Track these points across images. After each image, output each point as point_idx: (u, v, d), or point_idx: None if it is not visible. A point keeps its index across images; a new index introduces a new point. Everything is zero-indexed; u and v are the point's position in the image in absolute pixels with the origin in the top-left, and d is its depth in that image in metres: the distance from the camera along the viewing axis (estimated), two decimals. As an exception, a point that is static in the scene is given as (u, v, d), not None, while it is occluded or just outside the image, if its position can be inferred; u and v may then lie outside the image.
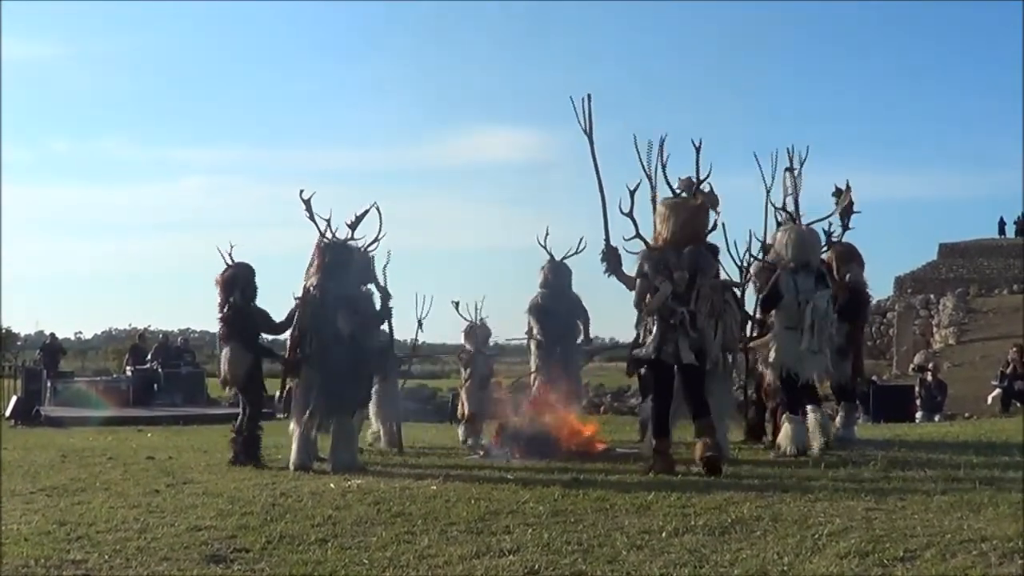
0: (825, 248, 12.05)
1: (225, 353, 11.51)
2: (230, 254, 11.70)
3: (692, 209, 10.04)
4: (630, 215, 10.48)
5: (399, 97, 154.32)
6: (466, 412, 14.14)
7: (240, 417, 11.60)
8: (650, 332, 9.91)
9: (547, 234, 13.93)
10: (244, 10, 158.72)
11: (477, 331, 14.22)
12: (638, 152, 10.39)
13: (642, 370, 10.92)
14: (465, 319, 14.17)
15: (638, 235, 10.77)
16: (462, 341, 14.34)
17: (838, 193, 12.03)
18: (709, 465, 9.56)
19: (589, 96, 11.11)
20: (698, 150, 10.11)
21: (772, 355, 11.25)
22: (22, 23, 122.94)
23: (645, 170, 10.48)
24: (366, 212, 11.13)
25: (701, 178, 10.13)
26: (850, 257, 12.50)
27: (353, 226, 11.13)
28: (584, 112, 11.09)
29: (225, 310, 11.50)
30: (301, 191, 11.19)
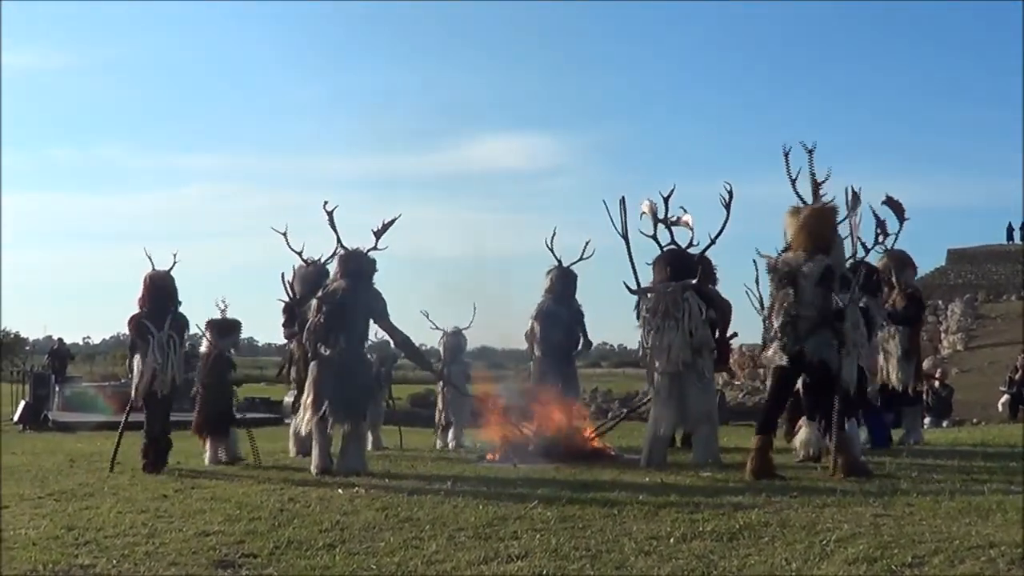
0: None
1: (174, 358, 11.61)
2: (150, 257, 11.84)
3: (805, 212, 10.01)
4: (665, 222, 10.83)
5: (406, 104, 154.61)
6: (442, 419, 14.45)
7: (153, 424, 11.62)
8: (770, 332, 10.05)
9: (554, 234, 13.93)
10: (247, 16, 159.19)
11: (451, 340, 14.47)
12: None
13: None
14: (438, 329, 14.43)
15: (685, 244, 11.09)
16: (440, 350, 14.64)
17: (859, 199, 12.03)
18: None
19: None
20: (811, 152, 10.15)
21: None
22: (23, 31, 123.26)
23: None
24: (393, 221, 11.13)
25: (819, 180, 10.15)
26: (906, 263, 12.64)
27: (379, 234, 11.09)
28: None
29: (169, 317, 11.63)
30: (325, 203, 11.30)
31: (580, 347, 14.14)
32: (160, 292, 11.72)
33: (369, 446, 13.29)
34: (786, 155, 10.11)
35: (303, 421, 11.03)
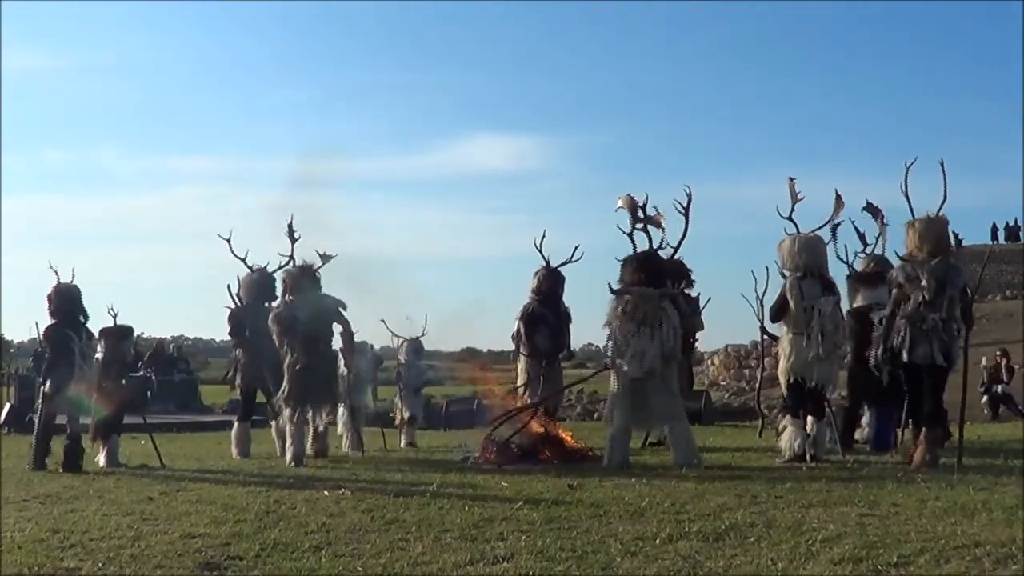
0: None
1: (90, 368, 12.15)
2: (56, 271, 12.40)
3: (934, 224, 10.72)
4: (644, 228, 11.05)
5: (395, 105, 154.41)
6: (403, 417, 15.45)
7: (74, 426, 12.16)
8: (902, 337, 10.62)
9: (543, 237, 13.96)
10: (237, 18, 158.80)
11: (410, 345, 15.50)
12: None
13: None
14: (396, 335, 15.45)
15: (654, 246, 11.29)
16: (400, 355, 15.66)
17: (842, 202, 12.06)
18: (918, 469, 10.19)
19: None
20: (908, 167, 10.85)
21: (782, 362, 11.34)
22: (15, 33, 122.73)
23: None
24: (331, 257, 12.94)
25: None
26: (888, 269, 12.66)
27: (324, 260, 12.90)
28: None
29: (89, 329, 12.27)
30: (292, 218, 13.00)
31: (562, 355, 14.17)
32: (70, 303, 12.25)
33: (345, 447, 13.70)
34: (907, 168, 10.83)
35: (284, 419, 12.44)
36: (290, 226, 13.18)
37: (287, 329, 12.25)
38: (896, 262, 11.07)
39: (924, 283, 10.44)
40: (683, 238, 11.53)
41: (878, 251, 13.00)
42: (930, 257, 10.55)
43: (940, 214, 10.78)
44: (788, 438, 11.28)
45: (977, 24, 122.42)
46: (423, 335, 15.57)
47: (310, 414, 12.52)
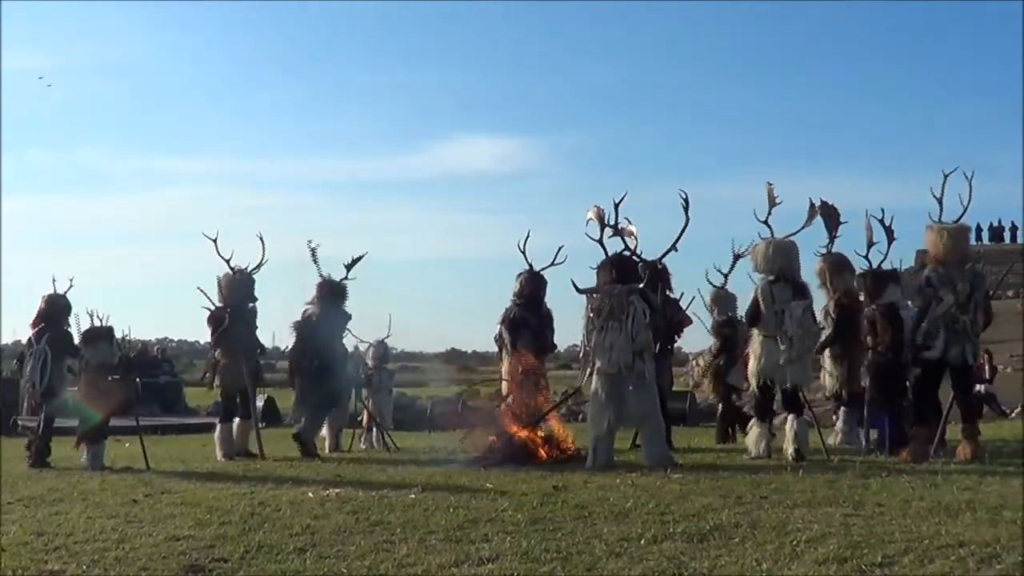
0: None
1: (58, 368, 12.58)
2: (55, 281, 12.96)
3: (964, 232, 11.26)
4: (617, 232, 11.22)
5: (383, 106, 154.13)
6: (371, 421, 15.58)
7: (43, 427, 12.65)
8: (933, 337, 10.87)
9: (527, 237, 13.92)
10: (226, 18, 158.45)
11: (377, 349, 15.82)
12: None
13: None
14: (363, 341, 15.75)
15: (631, 251, 11.36)
16: (367, 359, 15.95)
17: (816, 209, 12.11)
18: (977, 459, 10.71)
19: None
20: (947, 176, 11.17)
21: (752, 364, 11.45)
22: (15, 33, 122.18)
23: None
24: (361, 257, 13.84)
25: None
26: (841, 267, 12.69)
27: (348, 267, 13.78)
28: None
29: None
30: (309, 241, 13.75)
31: (546, 355, 14.17)
32: (47, 312, 12.76)
33: (327, 448, 13.94)
34: (945, 177, 11.14)
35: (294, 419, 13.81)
36: (312, 249, 13.84)
37: (304, 338, 13.42)
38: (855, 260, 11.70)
39: (959, 287, 10.79)
40: (679, 238, 11.81)
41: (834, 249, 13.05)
42: (959, 263, 10.98)
43: (962, 222, 11.18)
44: (754, 439, 11.57)
45: (977, 24, 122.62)
46: (387, 337, 15.80)
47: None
